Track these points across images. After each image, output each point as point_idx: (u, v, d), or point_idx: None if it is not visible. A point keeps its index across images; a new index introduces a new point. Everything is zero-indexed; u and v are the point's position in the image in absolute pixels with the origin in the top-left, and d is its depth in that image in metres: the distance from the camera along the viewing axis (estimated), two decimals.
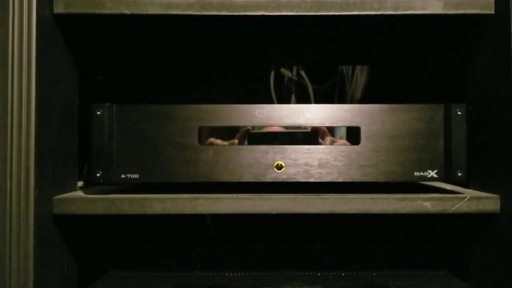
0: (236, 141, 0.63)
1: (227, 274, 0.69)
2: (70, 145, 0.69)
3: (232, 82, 1.07)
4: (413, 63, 0.97)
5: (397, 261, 0.85)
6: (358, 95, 1.12)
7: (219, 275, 0.69)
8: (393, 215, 0.60)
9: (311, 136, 0.64)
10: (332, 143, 0.63)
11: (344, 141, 0.63)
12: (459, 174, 0.61)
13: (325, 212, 0.61)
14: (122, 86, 0.97)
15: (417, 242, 0.92)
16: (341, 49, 0.91)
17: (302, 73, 1.11)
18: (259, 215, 0.60)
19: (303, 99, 1.11)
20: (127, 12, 0.61)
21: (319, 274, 0.69)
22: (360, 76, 1.12)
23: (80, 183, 0.74)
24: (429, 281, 0.66)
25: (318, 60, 1.05)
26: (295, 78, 1.12)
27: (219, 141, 0.63)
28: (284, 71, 1.11)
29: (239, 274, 0.70)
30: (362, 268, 0.73)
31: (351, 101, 1.12)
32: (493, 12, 0.62)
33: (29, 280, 0.57)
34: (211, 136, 0.63)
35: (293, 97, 1.12)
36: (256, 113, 0.64)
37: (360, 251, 0.90)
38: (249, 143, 0.63)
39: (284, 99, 1.11)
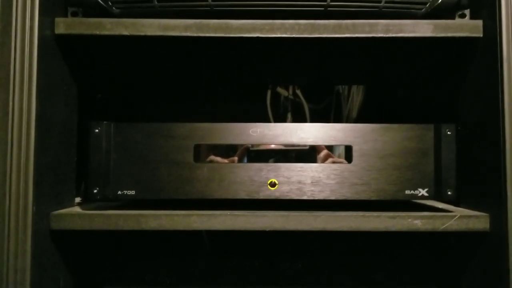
0: (235, 158, 0.64)
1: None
2: (69, 162, 0.70)
3: (229, 101, 1.09)
4: (406, 83, 0.98)
5: (390, 278, 0.85)
6: (354, 114, 1.14)
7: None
8: (385, 232, 0.62)
9: (305, 154, 0.65)
10: (327, 157, 0.64)
11: (342, 159, 0.65)
12: (449, 193, 0.63)
13: (317, 229, 0.62)
14: (120, 104, 0.99)
15: (409, 259, 0.93)
16: (335, 69, 0.93)
17: (298, 92, 1.13)
18: (254, 232, 0.61)
19: (299, 117, 1.12)
20: (126, 33, 0.63)
21: None
22: (356, 95, 1.14)
23: (77, 199, 0.75)
24: None
25: (314, 80, 1.07)
26: (291, 97, 1.13)
27: (219, 159, 0.64)
28: (280, 90, 1.13)
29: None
30: (355, 285, 0.73)
31: (347, 120, 1.14)
32: (481, 35, 0.64)
33: None
34: (210, 153, 0.65)
35: (289, 116, 1.14)
36: (250, 131, 0.65)
37: (352, 268, 0.91)
38: (245, 160, 0.64)
39: (280, 118, 1.13)
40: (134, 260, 0.95)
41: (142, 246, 0.96)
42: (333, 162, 0.64)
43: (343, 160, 0.64)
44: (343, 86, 1.14)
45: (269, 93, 1.13)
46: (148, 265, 0.93)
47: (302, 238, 0.99)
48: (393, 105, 1.05)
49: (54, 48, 0.64)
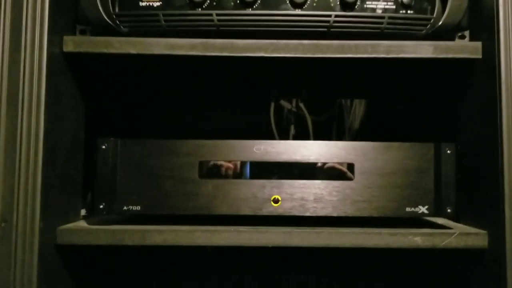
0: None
1: None
2: (75, 177, 0.71)
3: (233, 114, 1.10)
4: (407, 99, 1.00)
5: None
6: (356, 125, 1.15)
7: None
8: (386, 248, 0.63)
9: (308, 171, 0.66)
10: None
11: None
12: (448, 210, 0.64)
13: (320, 245, 0.63)
14: (126, 119, 1.00)
15: (408, 275, 0.94)
16: (338, 85, 0.95)
17: (301, 105, 1.14)
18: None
19: (302, 130, 1.14)
20: (133, 52, 0.64)
21: None
22: (358, 108, 1.15)
23: (82, 211, 0.77)
24: None
25: (316, 93, 1.08)
26: (294, 109, 1.15)
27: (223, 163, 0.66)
28: (283, 103, 1.14)
29: None
30: None
31: (350, 131, 1.15)
32: (480, 57, 0.65)
33: None
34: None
35: (292, 128, 1.15)
36: (254, 149, 0.66)
37: (353, 283, 0.91)
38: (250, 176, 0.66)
39: (283, 130, 1.14)
40: (138, 274, 0.96)
41: (147, 260, 0.97)
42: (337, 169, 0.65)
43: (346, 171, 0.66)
44: (345, 101, 1.16)
45: (272, 106, 1.14)
46: (151, 278, 0.94)
47: (304, 251, 1.00)
48: (394, 119, 1.06)
49: (62, 65, 0.66)
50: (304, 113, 1.15)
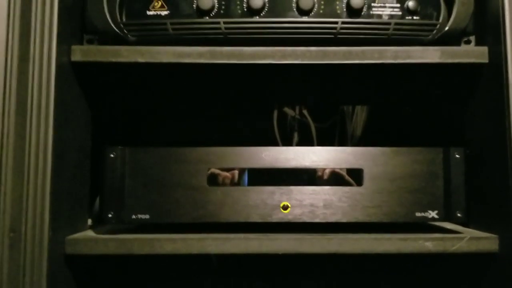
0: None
1: None
2: (83, 186, 0.71)
3: (237, 120, 1.10)
4: (413, 104, 1.00)
5: None
6: (358, 132, 1.16)
7: None
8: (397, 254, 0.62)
9: (317, 177, 0.66)
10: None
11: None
12: (458, 215, 0.64)
13: (331, 252, 0.63)
14: (134, 126, 1.00)
15: (419, 280, 0.93)
16: (343, 93, 0.95)
17: (305, 112, 1.14)
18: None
19: (305, 136, 1.14)
20: (141, 60, 0.64)
21: None
22: (360, 114, 1.16)
23: (89, 221, 0.76)
24: None
25: (321, 102, 1.09)
26: (297, 117, 1.15)
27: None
28: (287, 110, 1.14)
29: None
30: None
31: (352, 138, 1.15)
32: (487, 61, 0.66)
33: None
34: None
35: (295, 135, 1.15)
36: (263, 155, 0.66)
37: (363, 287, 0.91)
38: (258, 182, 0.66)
39: (287, 137, 1.14)
40: (145, 282, 0.95)
41: (155, 269, 0.96)
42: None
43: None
44: (348, 106, 1.16)
45: (275, 113, 1.14)
46: (159, 286, 0.94)
47: (313, 259, 1.00)
48: (397, 125, 1.07)
49: (70, 74, 0.66)
50: (307, 120, 1.15)
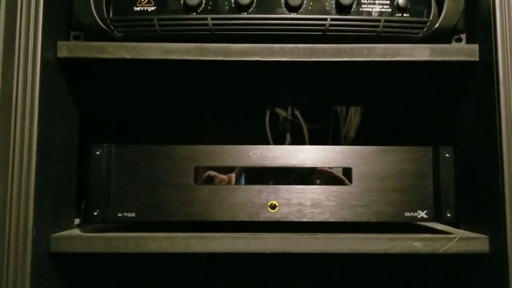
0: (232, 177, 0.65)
1: None
2: (69, 184, 0.70)
3: (228, 121, 1.10)
4: (405, 103, 0.99)
5: None
6: (352, 133, 1.15)
7: None
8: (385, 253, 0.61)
9: (305, 176, 0.65)
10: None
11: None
12: (448, 214, 0.63)
13: (318, 251, 0.62)
14: (120, 125, 1.00)
15: (409, 281, 0.93)
16: (334, 92, 0.94)
17: (297, 113, 1.14)
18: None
19: (297, 137, 1.13)
20: (128, 56, 0.64)
21: None
22: (354, 115, 1.15)
23: (77, 221, 0.75)
24: None
25: (313, 102, 1.08)
26: (290, 117, 1.14)
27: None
28: (279, 110, 1.13)
29: None
30: None
31: (345, 139, 1.14)
32: (477, 59, 0.65)
33: None
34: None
35: (288, 136, 1.14)
36: (250, 153, 0.65)
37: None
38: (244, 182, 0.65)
39: (279, 138, 1.13)
40: (132, 281, 0.94)
41: (141, 268, 0.95)
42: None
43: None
44: (341, 107, 1.15)
45: (267, 113, 1.14)
46: (146, 286, 0.93)
47: (301, 259, 0.99)
48: (391, 126, 1.06)
49: (55, 71, 0.65)
50: (299, 121, 1.14)
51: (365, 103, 1.11)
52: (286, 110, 1.15)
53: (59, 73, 0.66)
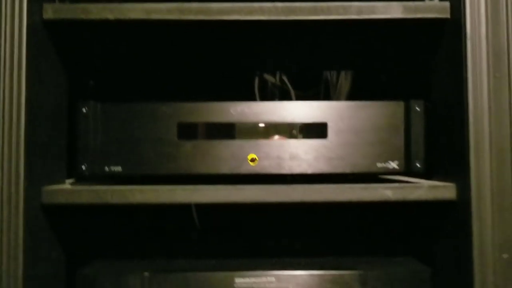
0: None
1: (206, 261, 0.74)
2: (59, 143, 0.73)
3: (218, 89, 1.12)
4: (386, 68, 1.02)
5: (365, 250, 0.89)
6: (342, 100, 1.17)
7: (198, 262, 0.74)
8: (363, 208, 0.65)
9: (284, 131, 0.69)
10: None
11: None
12: (417, 165, 0.66)
13: (295, 201, 0.65)
14: (109, 88, 1.02)
15: (384, 232, 0.98)
16: (318, 56, 0.97)
17: (284, 78, 1.16)
18: (240, 211, 0.64)
19: None
20: (111, 17, 0.66)
21: (291, 261, 0.74)
22: (344, 82, 1.18)
23: (69, 181, 0.79)
24: (393, 265, 0.71)
25: (299, 66, 1.10)
26: (278, 83, 1.17)
27: None
28: (267, 76, 1.16)
29: (218, 261, 0.74)
30: (331, 255, 0.78)
31: None
32: (449, 17, 0.67)
33: (18, 266, 0.61)
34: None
35: None
36: (231, 110, 0.68)
37: (330, 243, 0.95)
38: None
39: None
40: (125, 236, 0.99)
41: (134, 226, 1.01)
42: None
43: None
44: (331, 74, 1.18)
45: (256, 80, 1.16)
46: (138, 242, 0.97)
47: (285, 217, 1.04)
48: (378, 92, 1.08)
49: (42, 33, 0.67)
50: (288, 87, 1.17)
51: (352, 69, 1.13)
52: (274, 76, 1.17)
53: (46, 35, 0.68)
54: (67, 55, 0.75)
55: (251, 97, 1.14)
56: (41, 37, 0.67)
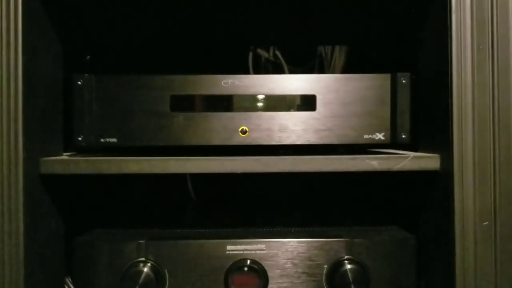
0: None
1: (200, 230, 0.77)
2: (56, 115, 0.75)
3: (212, 63, 1.14)
4: (380, 43, 1.03)
5: (352, 219, 0.91)
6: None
7: (192, 231, 0.77)
8: (352, 181, 0.67)
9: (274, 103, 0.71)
10: None
11: None
12: (403, 136, 0.69)
13: (285, 171, 0.68)
14: (105, 64, 1.04)
15: (370, 202, 1.01)
16: (310, 27, 0.98)
17: (278, 53, 1.17)
18: (234, 183, 0.66)
19: None
20: None
21: (280, 229, 0.77)
22: (338, 57, 1.19)
23: (66, 154, 0.81)
24: (378, 233, 0.74)
25: (292, 40, 1.11)
26: (271, 58, 1.18)
27: None
28: (260, 51, 1.17)
29: (211, 230, 0.77)
30: (319, 225, 0.80)
31: None
32: None
33: (19, 236, 0.64)
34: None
35: None
36: (222, 83, 0.70)
37: (319, 214, 0.98)
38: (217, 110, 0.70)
39: None
40: (123, 207, 1.03)
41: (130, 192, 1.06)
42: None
43: None
44: (326, 49, 1.19)
45: (250, 55, 1.17)
46: (136, 212, 1.00)
47: (276, 189, 1.07)
48: (373, 67, 1.10)
49: (37, 5, 0.69)
50: (281, 62, 1.18)
51: (346, 44, 1.14)
52: (268, 51, 1.18)
53: (41, 8, 0.69)
54: (62, 27, 0.76)
55: (245, 72, 1.16)
56: (36, 9, 0.68)
